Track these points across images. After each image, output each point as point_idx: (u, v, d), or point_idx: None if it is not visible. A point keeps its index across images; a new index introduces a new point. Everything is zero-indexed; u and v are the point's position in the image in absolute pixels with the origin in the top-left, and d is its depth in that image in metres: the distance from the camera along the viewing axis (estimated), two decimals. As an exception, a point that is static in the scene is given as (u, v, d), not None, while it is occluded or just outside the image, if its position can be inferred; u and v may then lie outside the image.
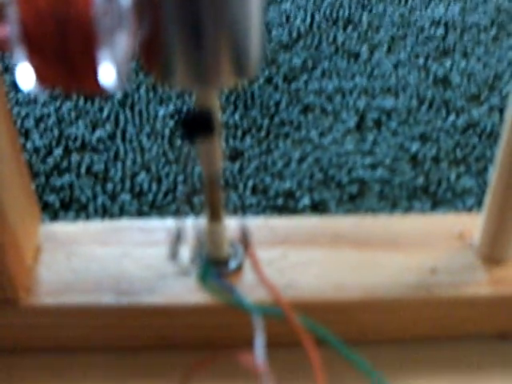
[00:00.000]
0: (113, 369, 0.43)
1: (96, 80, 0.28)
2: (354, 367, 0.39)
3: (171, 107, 0.64)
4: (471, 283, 0.43)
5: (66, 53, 0.28)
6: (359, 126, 0.62)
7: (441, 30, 0.75)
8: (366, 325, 0.43)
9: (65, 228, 0.46)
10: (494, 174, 0.41)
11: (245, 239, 0.40)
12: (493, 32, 0.74)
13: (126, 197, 0.56)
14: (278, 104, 0.65)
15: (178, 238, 0.40)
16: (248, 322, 0.37)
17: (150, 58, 0.31)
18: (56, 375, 0.43)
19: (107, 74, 0.28)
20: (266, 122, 0.63)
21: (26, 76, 0.29)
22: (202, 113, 0.34)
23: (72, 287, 0.42)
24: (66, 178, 0.58)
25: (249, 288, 0.41)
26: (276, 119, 0.63)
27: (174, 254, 0.41)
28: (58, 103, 0.64)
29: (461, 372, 0.43)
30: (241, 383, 0.39)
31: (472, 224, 0.45)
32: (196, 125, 0.34)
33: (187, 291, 0.41)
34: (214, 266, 0.41)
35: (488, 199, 0.42)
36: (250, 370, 0.34)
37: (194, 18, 0.29)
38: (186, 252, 0.42)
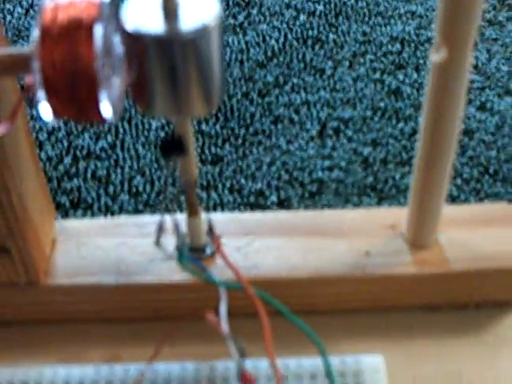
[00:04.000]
0: (113, 336, 0.48)
1: (99, 115, 0.34)
2: (300, 333, 0.43)
3: (163, 120, 0.69)
4: (399, 264, 0.48)
5: (75, 95, 0.33)
6: (321, 134, 0.68)
7: (397, 46, 0.79)
8: (314, 298, 0.48)
9: (74, 224, 0.51)
10: (414, 172, 0.46)
11: (211, 232, 0.47)
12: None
13: (124, 197, 0.61)
14: (252, 116, 0.69)
15: (160, 228, 0.47)
16: (218, 296, 0.42)
17: (137, 95, 0.36)
18: (68, 342, 0.48)
19: (106, 110, 0.34)
20: (243, 131, 0.68)
21: (46, 111, 0.34)
22: (175, 138, 0.40)
23: (81, 271, 0.47)
24: (75, 182, 0.63)
25: (220, 270, 0.46)
26: (251, 129, 0.68)
27: (157, 241, 0.47)
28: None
29: (393, 338, 0.47)
30: (209, 344, 0.45)
31: (403, 216, 0.49)
32: (171, 148, 0.40)
33: (172, 272, 0.47)
34: (189, 251, 0.47)
35: (410, 194, 0.47)
36: (216, 330, 0.40)
37: (170, 67, 0.34)
38: (171, 241, 0.48)
